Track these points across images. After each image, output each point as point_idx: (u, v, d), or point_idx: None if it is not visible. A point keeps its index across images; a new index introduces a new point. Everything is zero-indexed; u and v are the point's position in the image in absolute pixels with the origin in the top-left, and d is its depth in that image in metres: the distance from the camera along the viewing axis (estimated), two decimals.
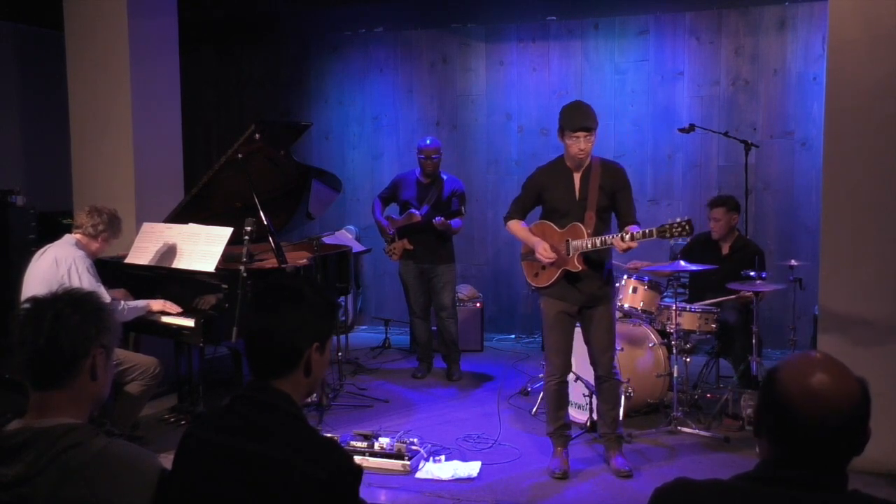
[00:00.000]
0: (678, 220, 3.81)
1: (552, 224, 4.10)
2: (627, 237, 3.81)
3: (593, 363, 4.21)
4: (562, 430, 4.21)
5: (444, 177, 5.87)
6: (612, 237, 3.88)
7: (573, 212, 4.04)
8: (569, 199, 4.06)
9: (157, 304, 4.40)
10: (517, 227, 4.21)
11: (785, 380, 1.41)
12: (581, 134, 3.94)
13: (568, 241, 4.01)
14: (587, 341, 4.21)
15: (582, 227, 3.98)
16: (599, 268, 4.08)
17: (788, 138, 6.60)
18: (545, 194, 4.14)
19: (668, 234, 3.80)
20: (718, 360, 5.35)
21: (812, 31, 6.47)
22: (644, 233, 3.81)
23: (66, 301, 1.70)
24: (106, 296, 4.12)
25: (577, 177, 4.07)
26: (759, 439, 1.48)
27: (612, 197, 4.07)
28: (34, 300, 1.72)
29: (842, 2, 4.11)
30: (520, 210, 4.23)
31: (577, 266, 3.98)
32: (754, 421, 1.51)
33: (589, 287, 4.06)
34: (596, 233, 3.98)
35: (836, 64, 4.14)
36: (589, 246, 3.94)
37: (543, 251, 3.99)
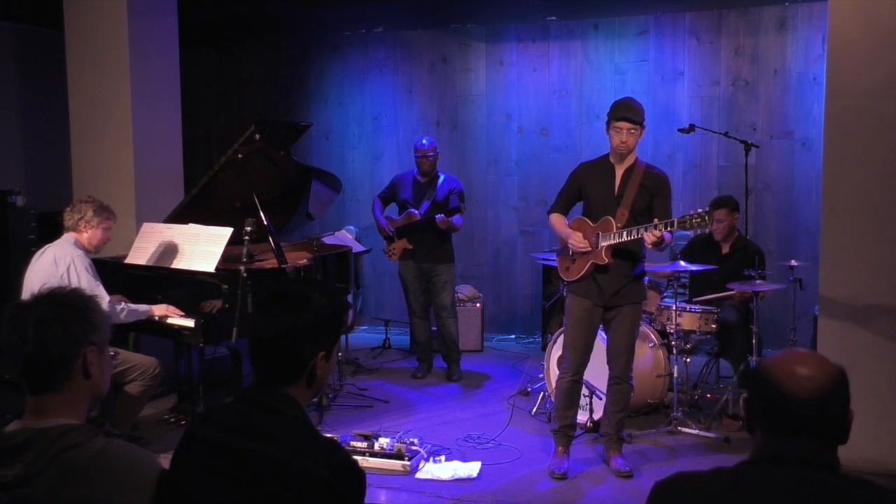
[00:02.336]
0: (699, 210, 3.79)
1: (588, 220, 4.11)
2: (652, 227, 3.80)
3: (609, 362, 4.21)
4: (567, 429, 4.20)
5: (442, 176, 5.88)
6: (641, 229, 3.84)
7: (610, 207, 4.03)
8: (607, 193, 4.06)
9: (159, 310, 4.38)
10: (557, 219, 4.21)
11: (771, 369, 1.54)
12: (623, 125, 3.96)
13: (598, 234, 4.01)
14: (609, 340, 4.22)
15: (613, 221, 3.97)
16: (629, 266, 4.05)
17: (788, 139, 6.60)
18: (586, 188, 4.15)
19: (687, 225, 3.79)
20: (718, 360, 5.34)
21: (812, 31, 6.47)
22: (665, 224, 3.80)
23: (48, 304, 1.68)
24: (105, 295, 4.11)
25: (618, 173, 4.08)
26: (753, 435, 1.58)
27: (651, 200, 4.05)
28: (17, 305, 1.70)
29: (842, 2, 4.11)
30: (561, 203, 4.23)
31: (604, 259, 3.97)
32: (745, 417, 1.60)
33: (616, 285, 4.04)
34: (626, 228, 3.94)
35: (836, 64, 4.14)
36: (617, 239, 3.94)
37: (576, 240, 4.01)
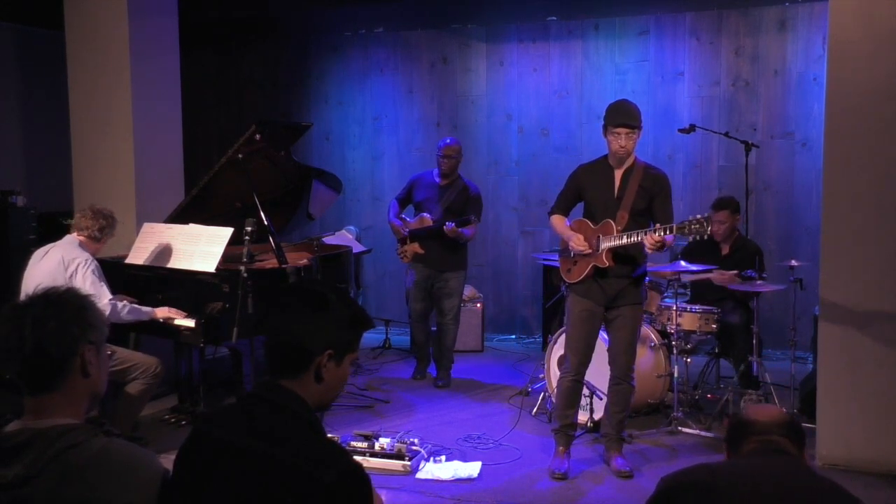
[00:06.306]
0: (698, 216, 3.79)
1: (588, 221, 4.13)
2: (651, 232, 3.81)
3: (611, 362, 4.21)
4: (567, 428, 4.20)
5: (462, 181, 5.76)
6: (641, 234, 3.86)
7: (610, 209, 4.05)
8: (607, 196, 4.08)
9: (161, 312, 4.37)
10: (558, 221, 4.24)
11: (742, 412, 2.15)
12: (622, 130, 3.97)
13: (599, 237, 4.02)
14: (610, 340, 4.22)
15: (613, 224, 3.99)
16: (629, 268, 4.06)
17: (789, 139, 6.60)
18: (585, 191, 4.17)
19: (686, 231, 3.80)
20: (719, 360, 5.35)
21: (812, 31, 6.46)
22: (666, 228, 3.81)
23: (44, 304, 1.68)
24: (107, 295, 4.11)
25: (617, 175, 4.09)
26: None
27: (651, 201, 4.06)
28: (13, 306, 1.70)
29: (842, 2, 4.11)
30: (562, 206, 4.26)
31: (604, 262, 3.98)
32: (727, 451, 2.01)
33: (616, 286, 4.05)
34: (627, 231, 3.96)
35: (837, 64, 4.14)
36: (617, 242, 3.95)
37: (577, 241, 4.03)
